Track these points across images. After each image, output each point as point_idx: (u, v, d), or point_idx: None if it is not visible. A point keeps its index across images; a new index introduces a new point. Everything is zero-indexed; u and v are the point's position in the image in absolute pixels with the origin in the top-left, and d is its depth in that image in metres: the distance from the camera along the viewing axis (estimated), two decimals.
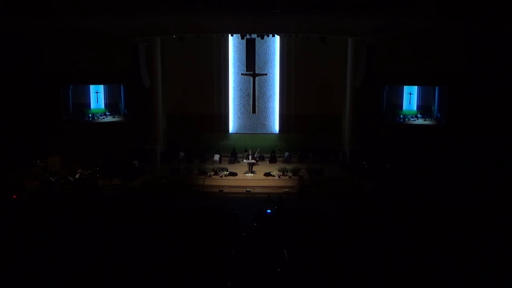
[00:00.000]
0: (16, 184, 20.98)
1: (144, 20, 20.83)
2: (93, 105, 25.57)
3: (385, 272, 9.53)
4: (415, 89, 25.71)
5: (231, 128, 28.30)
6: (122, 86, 25.79)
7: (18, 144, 22.31)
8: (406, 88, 25.69)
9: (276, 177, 23.19)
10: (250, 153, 24.31)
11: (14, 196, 18.45)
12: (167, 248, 10.90)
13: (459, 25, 20.79)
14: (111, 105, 25.92)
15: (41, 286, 8.98)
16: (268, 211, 16.57)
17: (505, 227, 12.81)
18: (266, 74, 27.45)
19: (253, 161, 24.21)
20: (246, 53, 25.88)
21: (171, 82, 27.63)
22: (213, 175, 23.33)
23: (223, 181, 22.97)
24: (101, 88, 25.75)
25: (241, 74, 27.40)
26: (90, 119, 25.28)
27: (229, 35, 25.56)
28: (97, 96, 25.63)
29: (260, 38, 24.27)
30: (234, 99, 28.03)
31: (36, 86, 23.45)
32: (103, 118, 25.57)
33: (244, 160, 24.39)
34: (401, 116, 25.65)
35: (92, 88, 25.53)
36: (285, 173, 23.29)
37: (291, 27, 23.09)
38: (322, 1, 17.68)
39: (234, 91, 27.94)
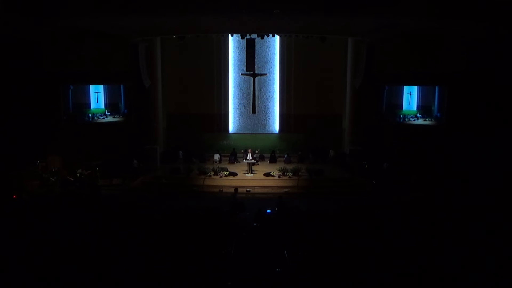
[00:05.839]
0: (16, 184, 20.97)
1: (144, 20, 20.84)
2: (93, 105, 25.54)
3: (385, 272, 9.53)
4: (415, 89, 25.70)
5: (231, 128, 28.30)
6: (122, 86, 25.77)
7: (18, 144, 22.29)
8: (406, 88, 25.68)
9: (276, 177, 23.18)
10: (250, 152, 24.30)
11: (14, 196, 18.45)
12: (167, 248, 10.90)
13: (459, 25, 20.80)
14: (111, 105, 25.89)
15: (41, 286, 8.98)
16: (268, 211, 16.56)
17: (505, 227, 12.81)
18: (266, 74, 27.45)
19: (253, 161, 24.21)
20: (246, 53, 25.90)
21: (171, 82, 27.65)
22: (213, 175, 23.32)
23: (223, 181, 22.95)
24: (101, 88, 25.71)
25: (241, 74, 27.41)
26: (90, 119, 25.26)
27: (229, 35, 25.57)
28: (97, 96, 25.60)
29: (260, 38, 24.29)
30: (234, 99, 28.03)
31: (36, 86, 23.43)
32: (103, 118, 25.55)
33: (244, 160, 24.39)
34: (401, 116, 25.65)
35: (92, 88, 25.50)
36: (285, 173, 23.28)
37: (291, 27, 23.09)
38: (322, 1, 17.70)
39: (234, 91, 27.95)
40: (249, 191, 22.21)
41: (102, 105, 25.79)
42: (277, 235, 12.60)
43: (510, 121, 22.63)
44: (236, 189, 19.54)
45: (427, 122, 25.37)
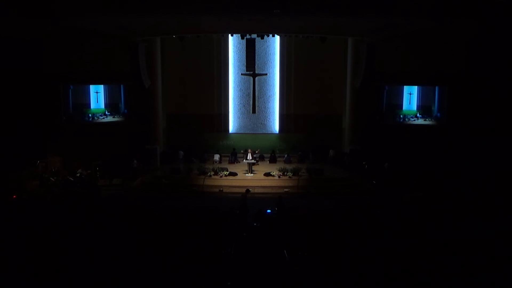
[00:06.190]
0: (16, 184, 20.98)
1: (144, 20, 20.85)
2: (93, 105, 25.55)
3: (386, 272, 9.54)
4: (415, 89, 25.69)
5: (231, 128, 28.30)
6: (122, 86, 25.78)
7: (18, 144, 22.30)
8: (406, 88, 25.67)
9: (276, 177, 23.17)
10: (250, 152, 24.30)
11: (14, 196, 18.46)
12: (167, 248, 10.91)
13: (459, 25, 20.80)
14: (111, 105, 25.90)
15: (41, 286, 8.99)
16: (268, 211, 16.56)
17: (504, 227, 12.81)
18: (266, 74, 27.46)
19: (253, 161, 24.21)
20: (246, 53, 25.93)
21: (171, 82, 27.64)
22: (213, 175, 23.31)
23: (223, 181, 22.95)
24: (101, 88, 25.73)
25: (241, 74, 27.42)
26: (90, 119, 25.26)
27: (229, 35, 25.57)
28: (97, 96, 25.61)
29: (260, 38, 24.29)
30: (234, 99, 28.03)
31: (36, 86, 23.44)
32: (103, 118, 25.55)
33: (244, 160, 24.38)
34: (401, 116, 25.65)
35: (92, 88, 25.51)
36: (285, 173, 23.28)
37: (291, 27, 23.09)
38: (322, 1, 17.71)
39: (234, 91, 27.95)
40: (249, 191, 22.19)
41: (102, 105, 25.80)
42: (277, 235, 12.60)
43: (510, 121, 22.63)
44: (247, 190, 19.27)
45: (427, 122, 25.36)
